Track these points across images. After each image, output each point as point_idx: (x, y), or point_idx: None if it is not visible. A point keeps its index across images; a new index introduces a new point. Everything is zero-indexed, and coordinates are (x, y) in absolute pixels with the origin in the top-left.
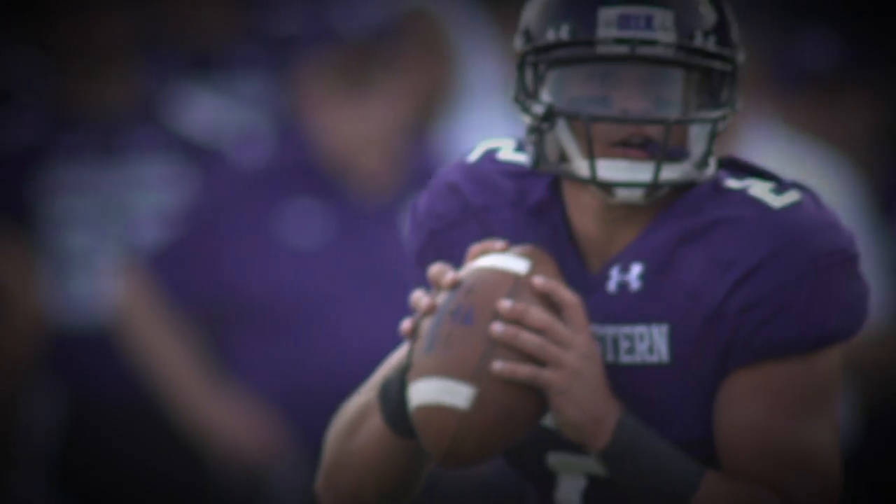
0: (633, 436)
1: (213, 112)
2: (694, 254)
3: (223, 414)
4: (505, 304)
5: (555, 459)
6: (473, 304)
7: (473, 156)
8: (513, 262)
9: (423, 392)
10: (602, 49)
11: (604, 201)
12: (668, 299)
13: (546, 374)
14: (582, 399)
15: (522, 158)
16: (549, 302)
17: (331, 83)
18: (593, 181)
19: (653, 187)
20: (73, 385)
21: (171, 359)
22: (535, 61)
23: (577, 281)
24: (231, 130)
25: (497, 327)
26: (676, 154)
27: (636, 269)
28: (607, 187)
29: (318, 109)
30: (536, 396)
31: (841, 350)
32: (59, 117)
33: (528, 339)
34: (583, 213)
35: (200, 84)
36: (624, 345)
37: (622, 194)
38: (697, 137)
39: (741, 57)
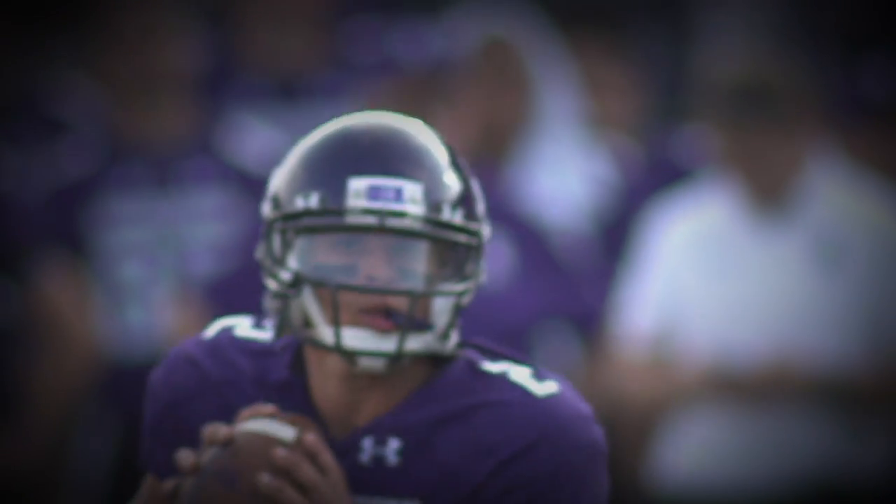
0: None
1: (268, 143)
2: (454, 435)
3: None
4: (280, 451)
5: None
6: (238, 469)
7: (210, 332)
8: (280, 429)
9: None
10: (351, 219)
11: (347, 369)
12: (423, 477)
13: None
14: None
15: (260, 335)
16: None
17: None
18: (338, 349)
19: (395, 357)
20: (126, 416)
21: None
22: (283, 228)
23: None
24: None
25: (265, 478)
26: (421, 326)
27: (394, 445)
28: (350, 356)
29: None
30: None
31: None
32: (114, 148)
33: (293, 497)
34: (326, 380)
35: (283, 111)
36: None
37: (364, 363)
38: (441, 309)
39: (486, 231)
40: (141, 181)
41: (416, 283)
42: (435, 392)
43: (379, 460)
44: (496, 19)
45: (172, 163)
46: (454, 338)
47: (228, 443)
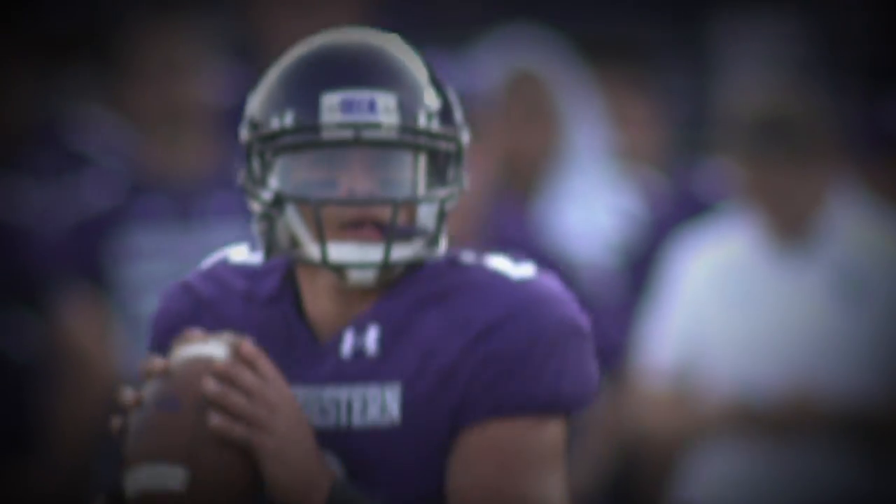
0: (347, 498)
1: None
2: (431, 315)
3: None
4: (220, 364)
5: None
6: (177, 390)
7: (208, 262)
8: (214, 348)
9: (138, 480)
10: (327, 134)
11: (338, 284)
12: (402, 360)
13: (258, 436)
14: (294, 462)
15: (254, 259)
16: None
17: None
18: (325, 263)
19: (384, 267)
20: None
21: None
22: (261, 149)
23: (310, 354)
24: None
25: (209, 384)
26: (407, 232)
27: (373, 333)
28: (340, 270)
29: None
30: (250, 468)
31: (565, 427)
32: (136, 182)
33: (238, 400)
34: (318, 295)
35: None
36: (357, 406)
37: (354, 276)
38: (427, 217)
39: (465, 137)
40: (162, 215)
41: (398, 193)
42: (412, 280)
43: (359, 351)
44: (523, 52)
45: (194, 197)
46: (442, 244)
47: (165, 372)
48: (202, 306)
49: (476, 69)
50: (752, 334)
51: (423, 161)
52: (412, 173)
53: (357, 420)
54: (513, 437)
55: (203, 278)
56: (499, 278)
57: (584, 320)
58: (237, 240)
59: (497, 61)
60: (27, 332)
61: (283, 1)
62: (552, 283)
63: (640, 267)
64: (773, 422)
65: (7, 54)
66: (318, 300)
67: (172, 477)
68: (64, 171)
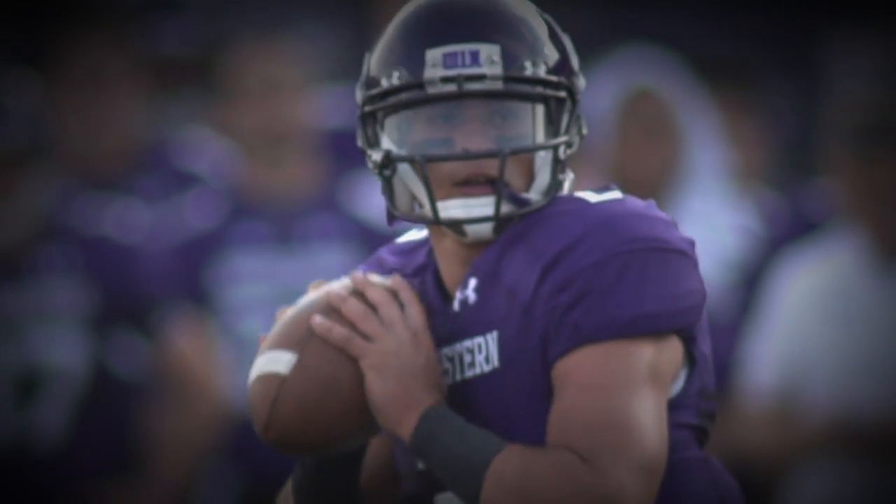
0: (437, 423)
1: None
2: (516, 254)
3: None
4: (357, 274)
5: (442, 501)
6: (315, 297)
7: (400, 239)
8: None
9: (255, 367)
10: (431, 90)
11: (459, 242)
12: (495, 304)
13: (359, 343)
14: (393, 380)
15: (420, 235)
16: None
17: None
18: (437, 221)
19: (499, 220)
20: (247, 471)
21: None
22: (372, 110)
23: (442, 317)
24: None
25: (316, 319)
26: (520, 201)
27: (472, 283)
28: (456, 226)
29: None
30: (355, 371)
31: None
32: (238, 204)
33: (355, 306)
34: (446, 259)
35: None
36: (467, 359)
37: (472, 232)
38: (541, 166)
39: (581, 83)
40: (264, 237)
41: (513, 146)
42: (510, 226)
43: (464, 303)
44: (640, 72)
45: (295, 219)
46: (559, 192)
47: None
48: (386, 273)
49: (594, 88)
50: (855, 353)
51: (540, 112)
52: (530, 126)
53: (468, 372)
54: (595, 363)
55: (390, 252)
56: (577, 204)
57: (672, 236)
58: (339, 263)
59: (614, 82)
60: (135, 352)
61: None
62: (634, 203)
63: (754, 284)
64: (875, 442)
65: (118, 77)
66: (447, 264)
67: (281, 361)
68: (172, 192)
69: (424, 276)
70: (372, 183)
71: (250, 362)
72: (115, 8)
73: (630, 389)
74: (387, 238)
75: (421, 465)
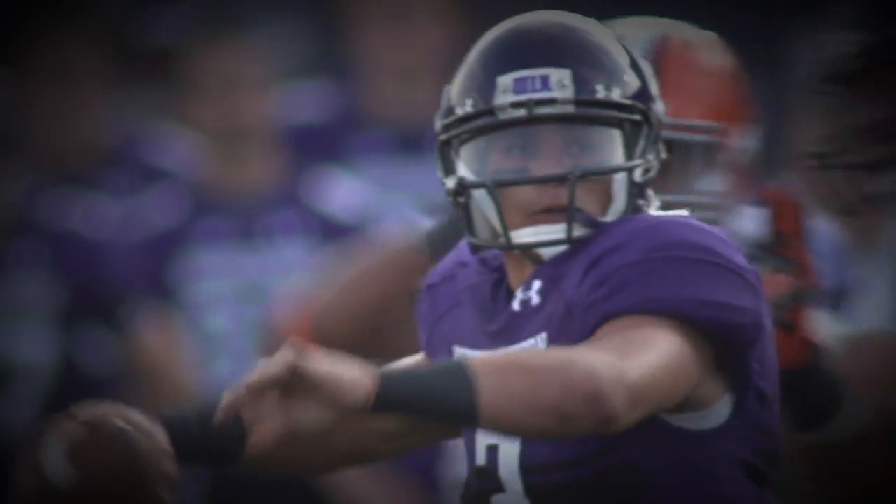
0: (392, 375)
1: (354, 194)
2: (576, 258)
3: (378, 493)
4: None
5: (498, 501)
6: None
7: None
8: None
9: None
10: (502, 115)
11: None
12: (551, 306)
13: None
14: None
15: None
16: None
17: None
18: (510, 247)
19: (570, 243)
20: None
21: None
22: (447, 138)
23: (500, 314)
24: (373, 212)
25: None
26: (592, 223)
27: (536, 286)
28: (532, 251)
29: None
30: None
31: (696, 338)
32: (201, 200)
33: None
34: (516, 269)
35: (405, 165)
36: None
37: (548, 254)
38: (618, 190)
39: (659, 107)
40: (227, 233)
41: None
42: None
43: (526, 303)
44: None
45: (258, 215)
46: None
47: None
48: (457, 266)
49: None
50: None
51: (618, 139)
52: (608, 154)
53: None
54: (620, 325)
55: (464, 248)
56: (640, 217)
57: (725, 251)
58: (301, 258)
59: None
60: (102, 346)
61: (373, 14)
62: (687, 218)
63: None
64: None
65: (87, 73)
66: (515, 265)
67: None
68: (140, 187)
69: (499, 270)
70: (334, 178)
71: (216, 357)
72: (84, 3)
73: (654, 345)
74: (350, 233)
75: (480, 462)
